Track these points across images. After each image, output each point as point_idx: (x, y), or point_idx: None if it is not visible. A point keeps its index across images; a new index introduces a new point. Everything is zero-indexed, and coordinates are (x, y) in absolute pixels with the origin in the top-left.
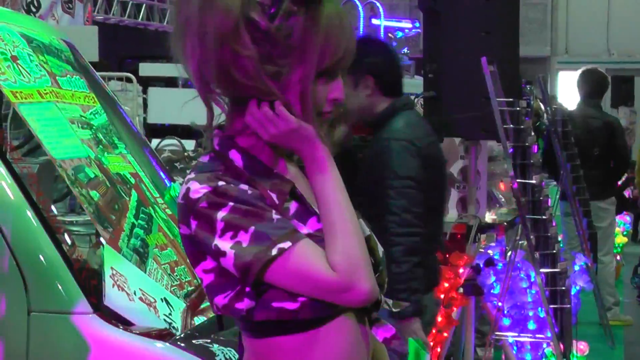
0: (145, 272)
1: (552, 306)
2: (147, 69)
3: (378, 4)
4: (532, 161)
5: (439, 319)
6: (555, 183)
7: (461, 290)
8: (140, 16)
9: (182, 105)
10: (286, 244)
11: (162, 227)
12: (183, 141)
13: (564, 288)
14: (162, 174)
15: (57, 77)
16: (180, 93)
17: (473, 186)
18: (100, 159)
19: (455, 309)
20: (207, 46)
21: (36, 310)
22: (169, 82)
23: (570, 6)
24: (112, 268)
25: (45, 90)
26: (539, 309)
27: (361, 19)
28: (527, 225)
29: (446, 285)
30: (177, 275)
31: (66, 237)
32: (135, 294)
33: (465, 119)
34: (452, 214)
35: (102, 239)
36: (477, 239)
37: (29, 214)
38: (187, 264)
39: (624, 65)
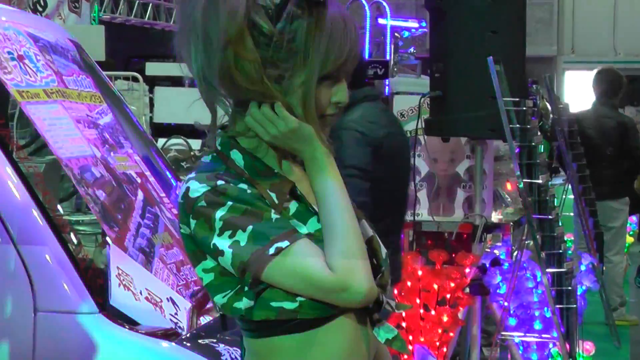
0: (151, 272)
1: (558, 306)
2: (154, 68)
3: (384, 4)
4: (538, 161)
5: (445, 318)
6: (561, 182)
7: (467, 290)
8: (147, 15)
9: (189, 105)
10: (284, 243)
11: (168, 226)
12: (189, 140)
13: (570, 288)
14: (168, 173)
15: (63, 77)
16: (186, 92)
17: (479, 186)
18: (107, 158)
19: (461, 308)
20: (211, 50)
21: (42, 310)
22: (176, 81)
23: (577, 6)
24: (118, 267)
25: (51, 89)
26: (545, 308)
27: (368, 19)
28: (533, 225)
29: (452, 285)
30: (183, 275)
31: (72, 236)
32: (141, 293)
33: (472, 119)
34: (458, 213)
35: (108, 239)
36: (483, 238)
37: (35, 213)
38: None
39: (630, 64)
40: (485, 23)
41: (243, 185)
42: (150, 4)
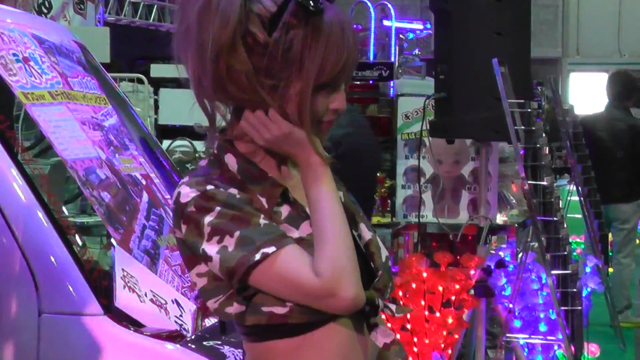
0: (156, 274)
1: (563, 308)
2: (159, 70)
3: (389, 5)
4: (543, 162)
5: (450, 320)
6: (564, 184)
7: (472, 292)
8: (152, 17)
9: (193, 107)
10: (270, 249)
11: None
12: (194, 142)
13: (575, 290)
14: (173, 175)
15: (68, 79)
16: (191, 94)
17: (484, 187)
18: (112, 160)
19: (466, 310)
20: (204, 58)
21: (47, 312)
22: (181, 83)
23: (582, 7)
24: (123, 269)
25: (56, 91)
26: (550, 310)
27: (372, 20)
28: (538, 227)
29: (457, 286)
30: (187, 277)
31: (77, 238)
32: (146, 295)
33: (476, 120)
34: (463, 215)
35: (113, 240)
36: (488, 240)
37: (40, 215)
38: None
39: (635, 66)
40: (490, 25)
41: (233, 190)
42: (155, 6)
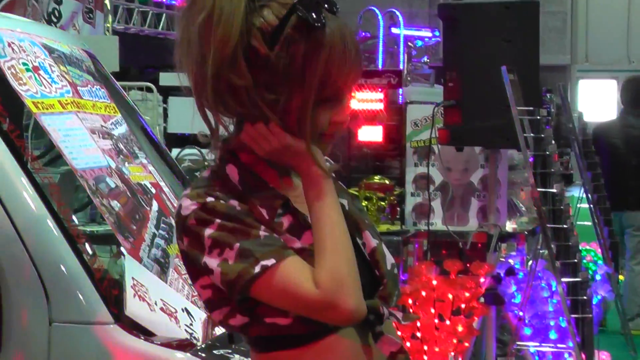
0: (166, 282)
1: (573, 316)
2: (168, 78)
3: (398, 13)
4: (552, 170)
5: (460, 328)
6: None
7: (482, 299)
8: (161, 26)
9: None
10: (270, 262)
11: None
12: (203, 150)
13: (585, 297)
14: (182, 183)
15: (78, 88)
16: None
17: (493, 195)
18: (121, 168)
19: (476, 318)
20: (205, 72)
21: (57, 321)
22: (190, 91)
23: (590, 14)
24: (133, 278)
25: (66, 100)
26: (561, 318)
27: (381, 28)
28: (548, 234)
29: (467, 294)
30: None
31: (87, 247)
32: (156, 304)
33: (486, 128)
34: (472, 222)
35: (123, 249)
36: (498, 248)
37: (50, 224)
38: None
39: None
40: (499, 32)
41: (233, 202)
42: (164, 14)
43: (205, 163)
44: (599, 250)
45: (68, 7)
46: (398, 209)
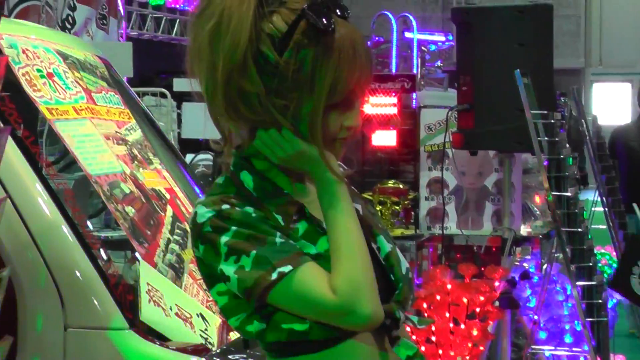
0: (181, 288)
1: (588, 319)
2: (181, 84)
3: (411, 17)
4: (567, 173)
5: (475, 332)
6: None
7: (497, 303)
8: (174, 32)
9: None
10: (287, 268)
11: None
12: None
13: (600, 301)
14: (196, 189)
15: (92, 94)
16: None
17: (508, 199)
18: (136, 174)
19: (491, 322)
20: (215, 78)
21: (72, 326)
22: (202, 98)
23: (604, 18)
24: (148, 283)
25: (80, 106)
26: (576, 322)
27: (394, 33)
28: (563, 238)
29: (482, 298)
30: None
31: (102, 252)
32: (171, 309)
33: (500, 132)
34: (487, 226)
35: (137, 254)
36: (513, 252)
37: (65, 229)
38: None
39: None
40: (513, 36)
41: (249, 209)
42: (178, 20)
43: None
44: (614, 253)
45: (82, 14)
46: (412, 213)
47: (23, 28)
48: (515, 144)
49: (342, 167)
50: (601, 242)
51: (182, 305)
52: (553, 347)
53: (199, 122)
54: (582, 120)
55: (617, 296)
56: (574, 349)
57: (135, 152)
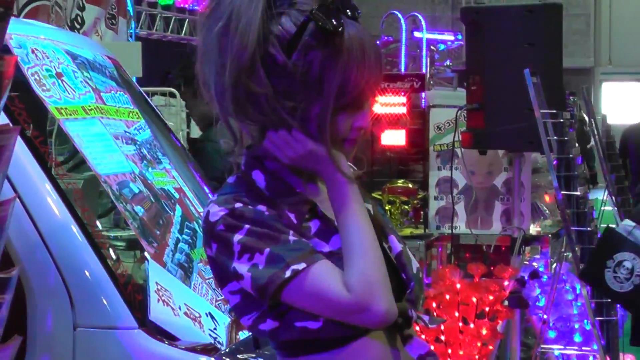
0: (190, 287)
1: (598, 318)
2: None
3: (420, 17)
4: (576, 173)
5: (484, 331)
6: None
7: (506, 303)
8: (184, 31)
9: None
10: (300, 266)
11: None
12: None
13: (609, 300)
14: (205, 188)
15: (101, 93)
16: None
17: (517, 198)
18: (145, 174)
19: (500, 321)
20: (224, 80)
21: (82, 326)
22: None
23: (613, 17)
24: (157, 283)
25: (89, 106)
26: (585, 321)
27: (403, 32)
28: (572, 237)
29: (491, 298)
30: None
31: (111, 252)
32: (180, 308)
33: (509, 131)
34: (496, 226)
35: (146, 254)
36: (522, 251)
37: (74, 229)
38: None
39: None
40: (522, 35)
41: (261, 207)
42: (187, 20)
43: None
44: None
45: (91, 14)
46: (422, 212)
47: (32, 28)
48: (525, 144)
49: (352, 167)
50: None
51: (191, 304)
52: (562, 347)
53: None
54: (592, 120)
55: None
56: (583, 348)
57: (145, 151)
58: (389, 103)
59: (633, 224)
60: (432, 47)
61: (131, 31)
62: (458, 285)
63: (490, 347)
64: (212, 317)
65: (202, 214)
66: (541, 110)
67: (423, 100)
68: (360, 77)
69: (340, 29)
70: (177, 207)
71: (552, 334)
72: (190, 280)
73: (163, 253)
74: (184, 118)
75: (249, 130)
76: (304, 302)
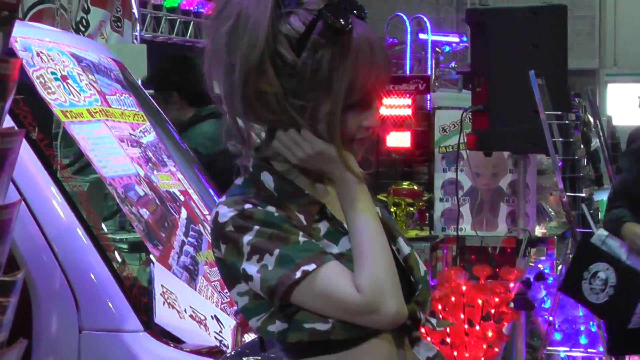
0: (195, 290)
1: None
2: None
3: (425, 19)
4: (581, 174)
5: (490, 333)
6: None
7: (512, 304)
8: (189, 34)
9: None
10: (310, 266)
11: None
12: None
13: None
14: (211, 191)
15: (106, 96)
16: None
17: (522, 200)
18: (150, 176)
19: (505, 323)
20: (233, 79)
21: (87, 329)
22: (220, 100)
23: (619, 18)
24: (162, 286)
25: (94, 109)
26: (591, 323)
27: (408, 34)
28: (578, 239)
29: (496, 299)
30: (227, 292)
31: (116, 255)
32: (185, 311)
33: (514, 133)
34: (501, 228)
35: (152, 257)
36: (527, 253)
37: (80, 232)
38: None
39: None
40: (527, 37)
41: (271, 208)
42: (192, 23)
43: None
44: None
45: (96, 16)
46: (427, 214)
47: (37, 31)
48: (530, 145)
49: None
50: None
51: (196, 307)
52: (568, 349)
53: None
54: (597, 121)
55: None
56: (589, 350)
57: (150, 154)
58: (394, 105)
59: (606, 233)
60: (437, 49)
61: (136, 33)
62: (464, 287)
63: (496, 349)
64: (218, 320)
65: (210, 215)
66: (546, 112)
67: (428, 102)
68: (368, 75)
69: (349, 28)
70: (183, 209)
71: (558, 336)
72: (196, 282)
73: (168, 256)
74: None
75: (257, 131)
76: (314, 303)
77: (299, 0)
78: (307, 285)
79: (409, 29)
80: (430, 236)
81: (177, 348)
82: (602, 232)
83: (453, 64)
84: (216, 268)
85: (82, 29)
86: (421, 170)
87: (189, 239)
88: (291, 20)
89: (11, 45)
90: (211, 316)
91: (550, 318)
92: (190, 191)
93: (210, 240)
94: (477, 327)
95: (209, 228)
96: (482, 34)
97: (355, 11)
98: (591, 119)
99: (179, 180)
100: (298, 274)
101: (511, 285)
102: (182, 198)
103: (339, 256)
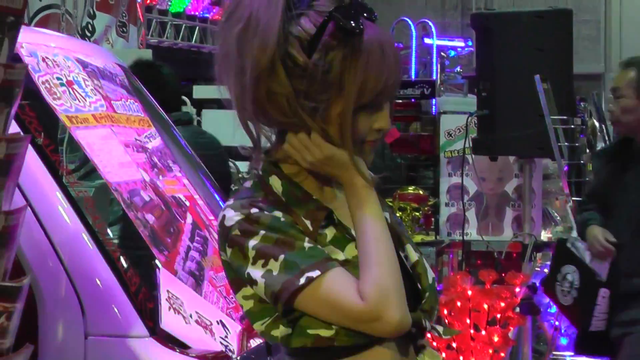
0: (201, 295)
1: None
2: (201, 91)
3: (430, 23)
4: (587, 179)
5: (495, 338)
6: None
7: (518, 309)
8: (194, 39)
9: (236, 128)
10: (315, 273)
11: (217, 249)
12: (237, 163)
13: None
14: (216, 196)
15: (112, 101)
16: (234, 115)
17: (528, 204)
18: (156, 182)
19: (511, 328)
20: (244, 82)
21: (93, 334)
22: (223, 104)
23: (624, 23)
24: (168, 291)
25: (100, 114)
26: None
27: (414, 38)
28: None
29: (502, 304)
30: (232, 298)
31: (122, 260)
32: (191, 316)
33: (520, 137)
34: (507, 232)
35: (157, 262)
36: (533, 257)
37: (85, 237)
38: None
39: None
40: (532, 41)
41: (277, 213)
42: (197, 28)
43: (240, 175)
44: None
45: (101, 22)
46: (432, 219)
47: (43, 36)
48: (536, 150)
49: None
50: None
51: (202, 312)
52: (574, 353)
53: (218, 128)
54: (602, 125)
55: None
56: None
57: (155, 159)
58: (399, 109)
59: (575, 235)
60: (442, 54)
61: (142, 39)
62: (469, 292)
63: (502, 354)
64: (224, 325)
65: (217, 218)
66: (552, 116)
67: (433, 106)
68: (379, 76)
69: (360, 29)
70: (188, 215)
71: (564, 341)
72: (202, 288)
73: (174, 261)
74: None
75: (268, 134)
76: (318, 310)
77: (310, 2)
78: (311, 291)
79: (414, 33)
80: (435, 241)
81: (183, 353)
82: (574, 235)
83: (458, 69)
84: (222, 273)
85: (88, 34)
86: (426, 175)
87: (195, 244)
88: (302, 21)
89: (17, 50)
90: (217, 321)
91: (557, 323)
92: (196, 196)
93: (215, 246)
94: (483, 332)
95: (214, 233)
96: (487, 38)
97: (365, 14)
98: (597, 124)
99: (184, 185)
100: (302, 280)
101: (517, 290)
102: (187, 203)
103: (345, 263)
